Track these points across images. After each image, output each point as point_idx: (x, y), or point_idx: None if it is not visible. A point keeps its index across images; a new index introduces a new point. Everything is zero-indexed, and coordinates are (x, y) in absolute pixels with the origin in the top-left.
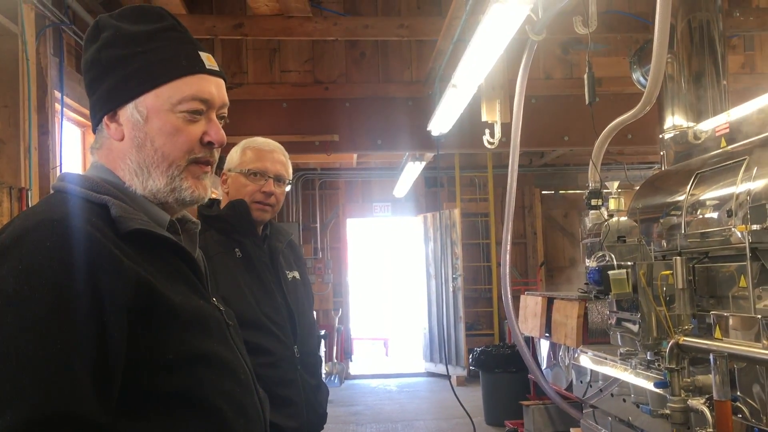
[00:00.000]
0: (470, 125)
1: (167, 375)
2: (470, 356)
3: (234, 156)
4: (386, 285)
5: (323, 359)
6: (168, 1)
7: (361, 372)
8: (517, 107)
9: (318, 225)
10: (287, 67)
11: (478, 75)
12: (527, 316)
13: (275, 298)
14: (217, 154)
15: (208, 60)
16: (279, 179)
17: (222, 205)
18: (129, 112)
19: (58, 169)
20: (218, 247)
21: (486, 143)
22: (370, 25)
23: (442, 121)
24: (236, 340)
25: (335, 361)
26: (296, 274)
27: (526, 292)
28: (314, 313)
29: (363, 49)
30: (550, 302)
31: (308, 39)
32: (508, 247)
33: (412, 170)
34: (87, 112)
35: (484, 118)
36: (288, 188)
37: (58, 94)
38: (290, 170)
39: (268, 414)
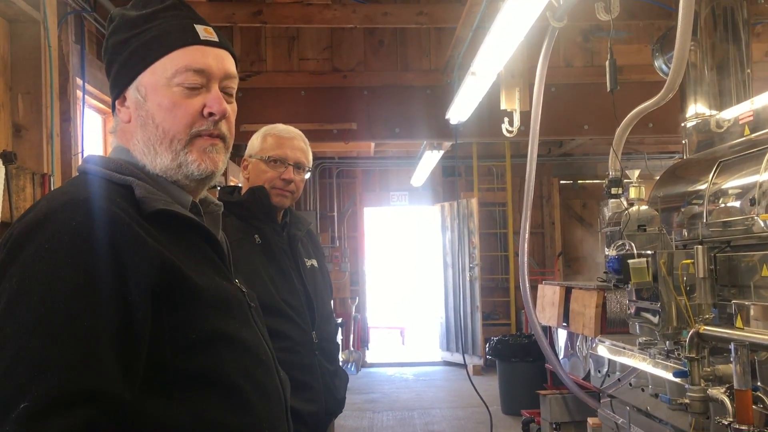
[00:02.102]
0: (489, 114)
1: (190, 354)
2: (487, 345)
3: (255, 142)
4: (403, 274)
5: (340, 347)
6: None
7: (378, 360)
8: (537, 95)
9: (335, 214)
10: (306, 55)
11: (497, 62)
12: (545, 305)
13: (294, 285)
14: (224, 127)
15: (205, 31)
16: (299, 166)
17: (243, 192)
18: (132, 93)
19: (80, 155)
20: (238, 233)
21: (505, 132)
22: (389, 12)
23: (461, 109)
24: (258, 321)
25: (352, 349)
26: (314, 263)
27: (543, 282)
28: (332, 301)
29: (381, 37)
30: (568, 292)
31: (327, 27)
32: (527, 236)
33: (430, 159)
34: (108, 99)
35: (503, 106)
36: (308, 176)
37: (79, 81)
38: (310, 157)
39: (288, 395)
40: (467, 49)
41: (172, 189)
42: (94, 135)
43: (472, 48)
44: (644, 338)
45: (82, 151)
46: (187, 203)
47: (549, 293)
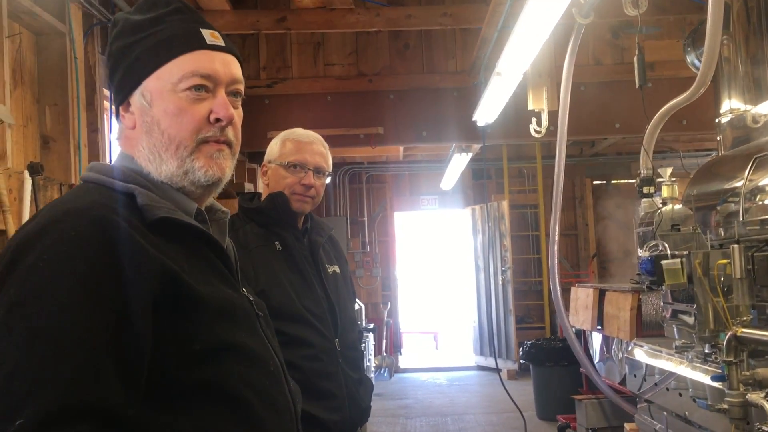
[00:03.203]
0: (516, 114)
1: (194, 366)
2: (520, 350)
3: (274, 148)
4: (435, 278)
5: (371, 353)
6: None
7: (411, 365)
8: (564, 94)
9: (366, 219)
10: (331, 60)
11: (523, 62)
12: (578, 308)
13: (315, 291)
14: (230, 133)
15: (212, 36)
16: (319, 171)
17: (262, 198)
18: (137, 99)
19: None
20: (258, 240)
21: (533, 132)
22: (413, 14)
23: (488, 110)
24: (267, 331)
25: (384, 354)
26: (337, 269)
27: (577, 284)
28: (360, 307)
29: (407, 40)
30: (601, 294)
31: (351, 31)
32: (557, 239)
33: (459, 162)
34: None
35: (531, 106)
36: (328, 180)
37: (106, 92)
38: (330, 162)
39: (299, 407)
40: (493, 50)
41: (176, 196)
42: None
43: (497, 48)
44: (681, 341)
45: (110, 161)
46: (192, 211)
47: (582, 296)
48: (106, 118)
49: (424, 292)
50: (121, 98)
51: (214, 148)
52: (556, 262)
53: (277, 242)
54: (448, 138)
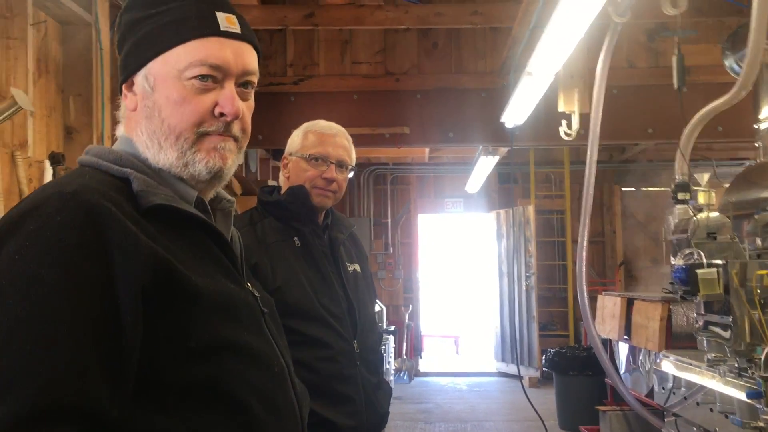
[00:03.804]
0: (546, 117)
1: (189, 364)
2: (543, 357)
3: (295, 139)
4: (457, 282)
5: (391, 356)
6: None
7: (431, 369)
8: (597, 96)
9: (389, 220)
10: (358, 58)
11: (555, 62)
12: (605, 317)
13: (334, 290)
14: (236, 128)
15: (227, 21)
16: (341, 165)
17: (282, 191)
18: (140, 81)
19: None
20: (276, 234)
21: (563, 135)
22: (443, 12)
23: (517, 111)
24: (273, 329)
25: (405, 357)
26: (357, 267)
27: (604, 293)
28: (381, 309)
29: (435, 39)
30: (629, 303)
31: (380, 29)
32: (585, 245)
33: (485, 165)
34: None
35: (561, 108)
36: (351, 174)
37: None
38: (353, 156)
39: (306, 411)
40: (524, 50)
41: (176, 183)
42: None
43: (529, 48)
44: (713, 354)
45: None
46: (192, 198)
47: (609, 304)
48: None
49: (447, 296)
50: (125, 76)
51: (216, 140)
52: (584, 269)
53: (295, 237)
54: (475, 140)
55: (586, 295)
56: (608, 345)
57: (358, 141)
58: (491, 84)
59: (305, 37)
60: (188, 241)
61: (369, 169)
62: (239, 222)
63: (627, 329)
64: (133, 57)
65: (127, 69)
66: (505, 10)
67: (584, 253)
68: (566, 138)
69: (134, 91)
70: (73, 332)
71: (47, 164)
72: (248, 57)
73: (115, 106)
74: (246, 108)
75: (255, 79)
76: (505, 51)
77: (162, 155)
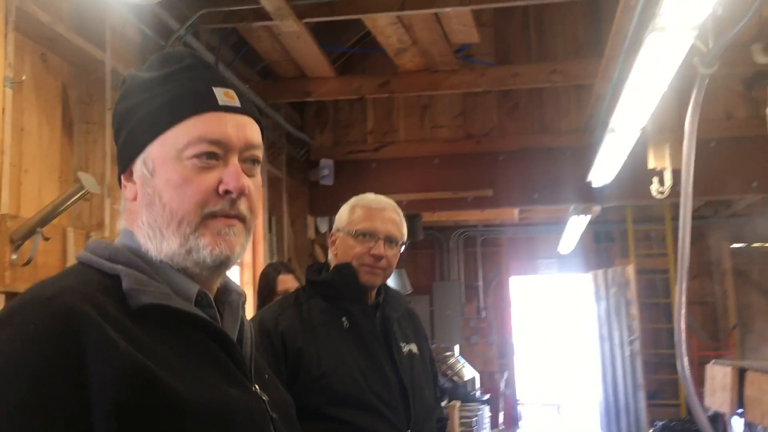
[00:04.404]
0: (636, 174)
1: None
2: (653, 429)
3: (342, 215)
4: (555, 346)
5: (486, 426)
6: (316, 65)
7: None
8: (687, 151)
9: (480, 283)
10: (438, 122)
11: (638, 117)
12: (715, 388)
13: (386, 375)
14: (243, 206)
15: (225, 96)
16: (390, 240)
17: (330, 269)
18: (139, 167)
19: None
20: (323, 316)
21: (655, 193)
22: (520, 72)
23: (603, 170)
24: None
25: (501, 427)
26: (413, 348)
27: (713, 362)
28: (474, 376)
29: (516, 100)
30: (741, 373)
31: (457, 92)
32: (683, 312)
33: (576, 225)
34: None
35: (651, 165)
36: (402, 249)
37: None
38: (404, 230)
39: None
40: (608, 106)
41: (175, 278)
42: None
43: (613, 105)
44: None
45: None
46: (192, 294)
47: (719, 375)
48: None
49: (545, 361)
50: (123, 166)
51: (222, 223)
52: (683, 336)
53: (344, 318)
54: (562, 200)
55: (686, 365)
56: (721, 420)
57: (441, 206)
58: (576, 142)
59: (384, 104)
60: (184, 343)
61: (458, 231)
62: (285, 302)
63: (741, 402)
64: (129, 145)
65: (124, 158)
66: (585, 67)
67: (683, 320)
68: (658, 196)
69: (133, 180)
70: None
71: None
72: (250, 130)
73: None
74: (253, 185)
75: (260, 154)
76: (589, 108)
77: (165, 244)
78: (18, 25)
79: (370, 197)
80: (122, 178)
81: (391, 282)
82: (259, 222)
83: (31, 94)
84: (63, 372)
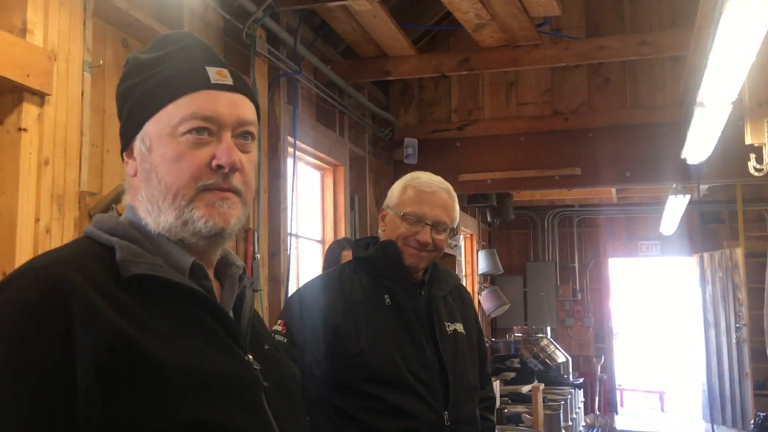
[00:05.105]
0: (736, 150)
1: None
2: (752, 421)
3: (394, 192)
4: (657, 331)
5: (580, 411)
6: (395, 44)
7: (629, 427)
8: None
9: (577, 265)
10: (524, 99)
11: (728, 90)
12: None
13: (425, 354)
14: (237, 180)
15: (218, 74)
16: (438, 226)
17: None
18: (138, 145)
19: (288, 209)
20: (365, 292)
21: (752, 170)
22: (606, 45)
23: (697, 146)
24: (278, 404)
25: (598, 413)
26: (459, 327)
27: None
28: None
29: (607, 75)
30: None
31: (544, 68)
32: None
33: (676, 205)
34: (324, 156)
35: (749, 141)
36: (452, 236)
37: (291, 139)
38: (455, 215)
39: None
40: (699, 79)
41: (171, 249)
42: (312, 190)
43: (701, 77)
44: None
45: (291, 205)
46: (186, 266)
47: None
48: (290, 164)
49: (647, 346)
50: (124, 143)
51: (216, 196)
52: None
53: (386, 296)
54: (657, 179)
55: None
56: None
57: (527, 184)
58: (672, 118)
59: (469, 82)
60: (176, 312)
61: (553, 211)
62: (330, 276)
63: None
64: (129, 123)
65: (125, 135)
66: (676, 37)
67: None
68: (756, 174)
69: (134, 157)
70: (16, 412)
71: None
72: (243, 107)
73: (274, 161)
74: (247, 160)
75: (254, 130)
76: (684, 81)
77: (162, 217)
78: (96, 11)
79: (423, 178)
80: (124, 155)
81: (482, 262)
82: (341, 201)
83: (114, 79)
84: (51, 333)
